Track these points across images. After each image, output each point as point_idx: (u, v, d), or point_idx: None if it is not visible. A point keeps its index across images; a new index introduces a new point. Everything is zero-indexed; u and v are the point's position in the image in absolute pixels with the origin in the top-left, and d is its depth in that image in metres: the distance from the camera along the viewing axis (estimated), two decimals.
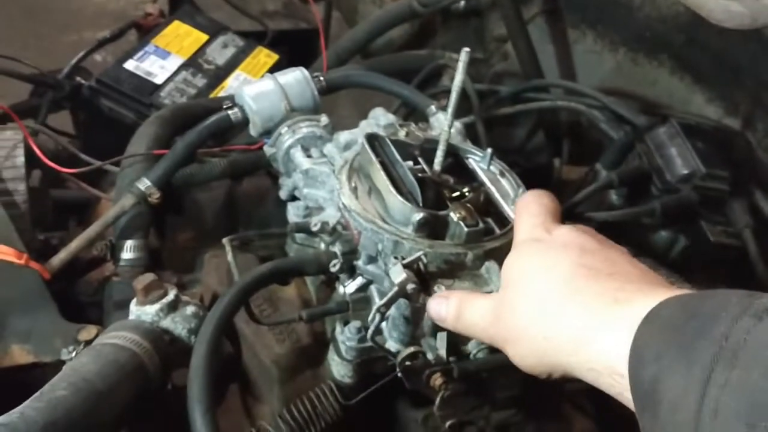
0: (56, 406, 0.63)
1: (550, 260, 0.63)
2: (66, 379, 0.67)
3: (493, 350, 0.82)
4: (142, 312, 0.83)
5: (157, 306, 0.83)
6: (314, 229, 0.88)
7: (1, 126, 1.06)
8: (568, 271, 0.61)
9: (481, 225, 0.80)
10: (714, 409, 0.43)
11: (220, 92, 1.50)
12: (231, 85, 1.53)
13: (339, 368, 0.87)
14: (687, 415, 0.44)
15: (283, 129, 1.03)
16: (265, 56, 1.63)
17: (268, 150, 1.05)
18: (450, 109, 0.81)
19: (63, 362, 0.86)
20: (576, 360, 0.57)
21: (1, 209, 0.92)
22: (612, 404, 1.00)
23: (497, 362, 0.82)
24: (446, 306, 0.72)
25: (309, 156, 0.99)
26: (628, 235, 1.06)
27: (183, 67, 1.53)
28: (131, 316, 0.84)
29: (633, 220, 1.06)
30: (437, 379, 0.78)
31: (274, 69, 1.58)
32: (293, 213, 1.00)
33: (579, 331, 0.57)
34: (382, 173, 0.82)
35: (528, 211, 0.72)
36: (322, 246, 0.91)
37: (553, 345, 0.59)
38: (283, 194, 1.04)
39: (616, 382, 0.53)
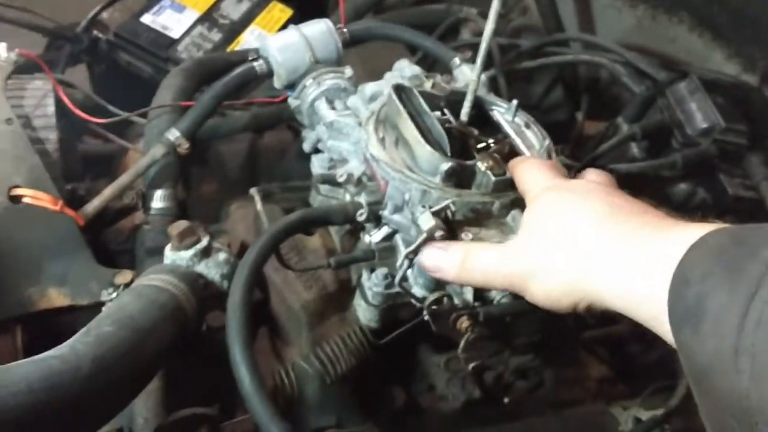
0: (103, 342, 0.65)
1: (580, 200, 0.64)
2: (111, 316, 0.69)
3: (517, 297, 0.85)
4: (177, 257, 0.85)
5: (191, 251, 0.85)
6: (340, 180, 0.90)
7: (29, 75, 1.07)
8: (601, 209, 0.62)
9: (508, 174, 0.81)
10: (757, 320, 0.44)
11: (236, 47, 1.50)
12: (246, 40, 1.53)
13: (365, 313, 0.90)
14: (730, 327, 0.46)
15: (308, 81, 1.03)
16: (279, 11, 1.62)
17: (292, 102, 1.06)
18: (479, 59, 0.81)
19: (100, 304, 0.89)
20: (607, 288, 0.58)
21: (36, 156, 0.94)
22: (627, 352, 1.03)
23: (521, 307, 0.84)
24: (447, 255, 0.72)
25: (333, 108, 1.00)
26: (648, 187, 1.08)
27: (199, 21, 1.53)
28: (166, 261, 0.86)
29: (653, 172, 1.07)
30: (464, 322, 0.80)
31: (288, 24, 1.59)
32: (318, 165, 1.01)
33: (613, 260, 0.58)
34: (411, 123, 0.83)
35: (533, 171, 0.73)
36: (347, 197, 0.92)
37: (585, 274, 0.60)
38: (306, 147, 1.05)
39: (648, 310, 0.55)
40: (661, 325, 0.54)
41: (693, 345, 0.49)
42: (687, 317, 0.50)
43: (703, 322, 0.48)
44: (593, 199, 0.64)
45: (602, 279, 0.59)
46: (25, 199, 0.91)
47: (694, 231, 0.54)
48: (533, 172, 0.73)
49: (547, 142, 0.87)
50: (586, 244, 0.61)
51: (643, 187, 1.12)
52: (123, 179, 0.97)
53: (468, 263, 0.70)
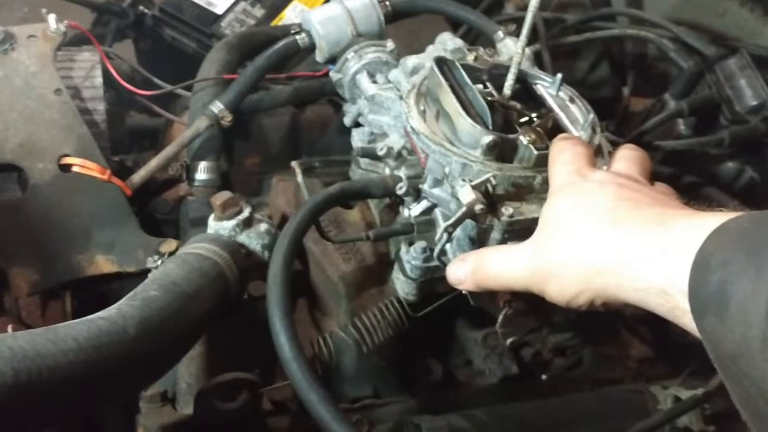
0: (150, 305, 0.67)
1: (589, 198, 0.64)
2: (157, 281, 0.71)
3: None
4: (220, 227, 0.87)
5: (233, 221, 0.87)
6: (380, 153, 0.90)
7: (77, 48, 1.09)
8: (608, 205, 0.62)
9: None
10: None
11: (278, 23, 1.50)
12: (288, 16, 1.53)
13: (403, 286, 0.90)
14: (757, 315, 0.45)
15: (350, 54, 1.03)
16: None
17: (334, 76, 1.07)
18: (524, 30, 0.80)
19: (146, 272, 0.92)
20: (622, 281, 0.58)
21: (84, 127, 0.96)
22: (669, 331, 1.02)
23: None
24: (464, 266, 0.72)
25: (374, 82, 1.00)
26: (695, 165, 1.06)
27: None
28: (209, 231, 0.88)
29: (700, 149, 1.05)
30: (503, 297, 0.80)
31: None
32: (358, 138, 1.01)
33: (625, 253, 0.58)
34: (452, 96, 0.82)
35: (562, 158, 0.72)
36: (387, 171, 0.93)
37: (598, 270, 0.60)
38: (347, 121, 1.05)
39: (666, 301, 0.54)
40: (682, 315, 0.53)
41: (719, 332, 0.49)
42: (710, 304, 0.49)
43: (728, 310, 0.47)
44: (604, 196, 0.64)
45: (616, 273, 0.59)
46: (75, 168, 0.94)
47: (713, 218, 0.53)
48: (559, 162, 0.72)
49: (591, 116, 0.85)
50: (598, 239, 0.61)
51: (689, 164, 1.10)
52: (168, 151, 0.99)
53: (483, 271, 0.71)
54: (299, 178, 0.97)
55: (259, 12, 1.51)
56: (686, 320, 0.53)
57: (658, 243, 0.56)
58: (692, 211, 0.59)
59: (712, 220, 0.53)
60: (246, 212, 0.88)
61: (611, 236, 0.60)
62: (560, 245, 0.64)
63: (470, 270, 0.72)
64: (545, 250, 0.65)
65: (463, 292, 0.82)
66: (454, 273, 0.74)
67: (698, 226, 0.53)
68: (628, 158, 0.73)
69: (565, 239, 0.64)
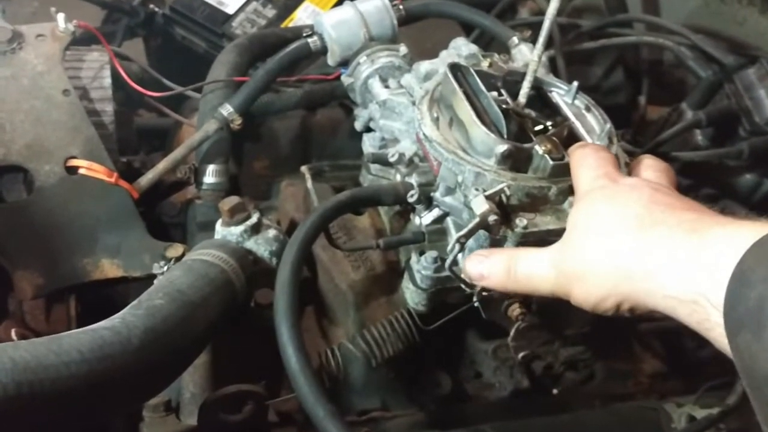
0: (154, 314, 0.66)
1: (621, 201, 0.63)
2: (162, 289, 0.70)
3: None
4: (228, 232, 0.86)
5: (241, 227, 0.86)
6: (391, 159, 0.89)
7: (86, 48, 1.08)
8: (642, 209, 0.61)
9: (566, 159, 0.78)
10: None
11: (290, 23, 1.49)
12: (299, 16, 1.52)
13: (413, 296, 0.89)
14: None
15: (362, 58, 1.02)
16: None
17: (345, 80, 1.05)
18: (541, 38, 0.79)
19: (152, 277, 0.90)
20: (652, 287, 0.57)
21: (92, 128, 0.95)
22: (682, 346, 1.00)
23: None
24: (491, 264, 0.71)
25: (387, 87, 0.99)
26: (712, 177, 1.04)
27: None
28: (217, 236, 0.87)
29: (718, 161, 1.03)
30: (516, 310, 0.79)
31: (342, 1, 1.57)
32: (369, 144, 1.00)
33: (657, 258, 0.57)
34: (466, 103, 0.81)
35: (586, 163, 0.71)
36: (398, 177, 0.91)
37: (627, 274, 0.59)
38: (358, 125, 1.04)
39: (695, 311, 0.53)
40: (711, 328, 0.52)
41: (753, 351, 0.47)
42: (747, 321, 0.48)
43: (765, 328, 0.46)
44: (637, 199, 0.62)
45: (646, 278, 0.57)
46: (81, 170, 0.93)
47: (751, 229, 0.51)
48: (584, 167, 0.71)
49: (608, 126, 0.84)
50: (628, 245, 0.59)
51: (706, 176, 1.08)
52: (176, 153, 0.98)
53: (514, 271, 0.69)
54: (309, 183, 0.96)
55: (270, 12, 1.50)
56: (715, 334, 0.51)
57: (692, 250, 0.54)
58: (729, 218, 0.57)
59: (750, 231, 0.51)
60: (254, 218, 0.87)
61: (643, 240, 0.58)
62: (589, 247, 0.63)
63: (500, 269, 0.70)
64: (573, 253, 0.64)
65: (475, 304, 0.81)
66: (474, 269, 0.72)
67: (736, 236, 0.51)
68: (654, 168, 0.72)
69: (595, 242, 0.62)
